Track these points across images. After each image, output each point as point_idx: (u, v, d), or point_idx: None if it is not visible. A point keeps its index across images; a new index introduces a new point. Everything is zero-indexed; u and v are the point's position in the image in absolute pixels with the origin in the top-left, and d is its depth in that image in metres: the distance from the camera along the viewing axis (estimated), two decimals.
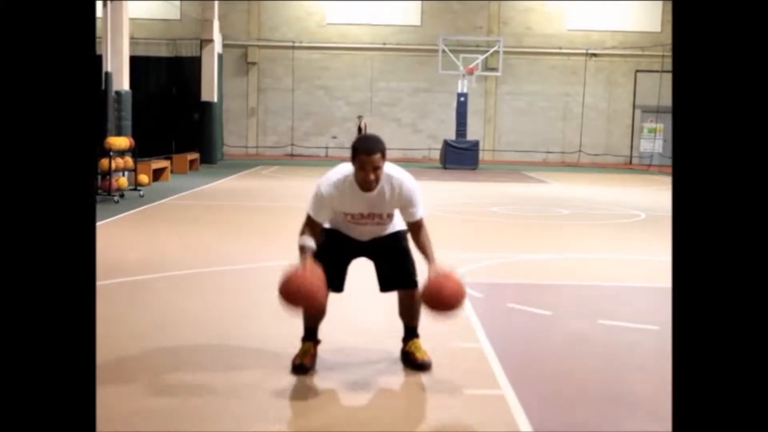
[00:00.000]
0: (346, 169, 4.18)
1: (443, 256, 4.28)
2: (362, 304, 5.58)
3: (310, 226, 4.20)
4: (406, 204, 4.22)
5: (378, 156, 4.04)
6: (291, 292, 3.93)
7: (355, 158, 4.07)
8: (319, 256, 4.27)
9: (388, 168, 4.17)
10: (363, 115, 28.00)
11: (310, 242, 4.12)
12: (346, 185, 4.15)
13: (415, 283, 4.35)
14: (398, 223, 4.41)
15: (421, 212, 4.27)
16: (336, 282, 4.33)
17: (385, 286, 4.45)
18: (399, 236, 4.41)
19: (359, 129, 28.71)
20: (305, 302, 3.98)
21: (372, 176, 4.05)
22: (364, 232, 4.35)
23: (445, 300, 4.07)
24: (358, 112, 28.78)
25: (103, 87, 15.46)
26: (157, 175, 17.07)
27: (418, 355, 4.41)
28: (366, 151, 4.04)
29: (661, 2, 29.11)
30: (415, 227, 4.27)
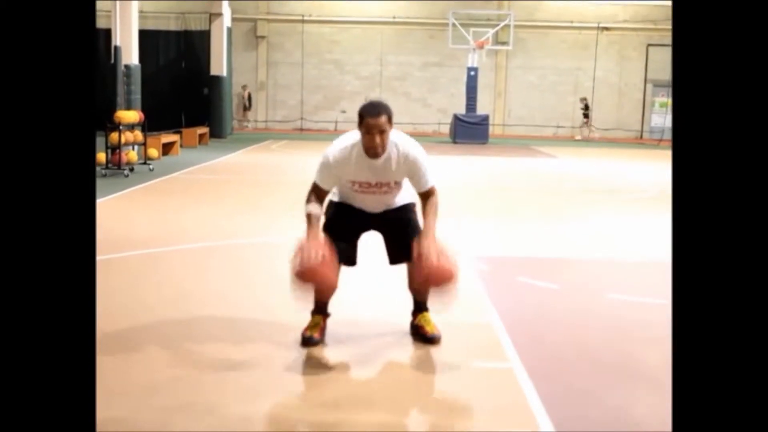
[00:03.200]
0: (354, 136, 4.17)
1: (453, 229, 4.27)
2: (371, 278, 5.58)
3: (316, 193, 4.22)
4: (413, 172, 4.20)
5: (384, 119, 4.04)
6: (304, 276, 3.97)
7: (361, 123, 4.07)
8: (330, 229, 4.28)
9: (394, 136, 4.16)
10: (247, 85, 29.44)
11: (316, 209, 4.16)
12: (353, 152, 4.14)
13: None
14: (408, 196, 4.41)
15: (431, 181, 4.26)
16: (348, 256, 4.33)
17: (393, 260, 4.44)
18: (408, 209, 4.41)
19: (242, 97, 28.88)
20: (318, 285, 4.05)
21: (378, 139, 4.03)
22: (373, 203, 4.33)
23: (426, 285, 4.18)
24: (368, 87, 28.75)
25: (113, 61, 15.43)
26: (166, 149, 17.08)
27: (428, 329, 4.43)
28: (372, 115, 4.04)
29: None
30: (426, 196, 4.27)
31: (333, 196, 4.42)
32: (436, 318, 4.49)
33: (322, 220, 4.31)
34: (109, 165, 13.09)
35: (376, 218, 4.38)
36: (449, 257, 4.08)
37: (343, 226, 4.30)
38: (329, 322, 4.45)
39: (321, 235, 4.09)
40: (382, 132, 4.04)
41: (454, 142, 23.85)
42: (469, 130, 24.06)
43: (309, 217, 4.12)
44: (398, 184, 4.28)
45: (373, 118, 4.02)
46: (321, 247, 4.00)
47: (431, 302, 4.48)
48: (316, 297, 4.38)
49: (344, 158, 4.14)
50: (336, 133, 27.61)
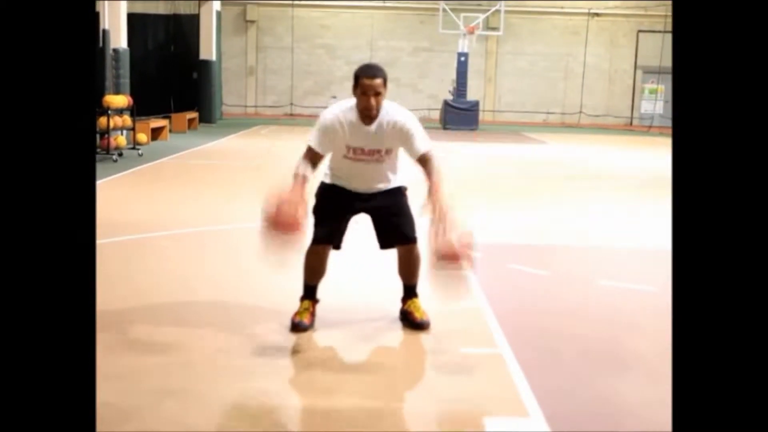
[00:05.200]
0: (350, 102, 4.16)
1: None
2: (361, 263, 5.59)
3: (309, 156, 4.14)
4: (405, 138, 4.14)
5: (380, 81, 4.04)
6: (279, 227, 3.84)
7: (357, 84, 4.06)
8: (319, 211, 4.29)
9: (386, 104, 4.15)
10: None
11: (307, 170, 4.07)
12: (348, 116, 4.12)
13: (414, 239, 4.36)
14: (399, 178, 4.39)
15: (425, 145, 4.14)
16: (335, 238, 4.33)
17: (384, 243, 4.44)
18: (399, 192, 4.39)
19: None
20: (283, 232, 3.85)
21: (373, 101, 4.03)
22: (364, 176, 4.27)
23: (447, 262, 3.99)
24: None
25: (101, 44, 15.32)
26: (155, 134, 17.00)
27: (417, 315, 4.44)
28: (368, 76, 4.04)
29: None
30: (424, 162, 4.12)
31: (325, 177, 4.40)
32: (425, 304, 4.51)
33: (312, 202, 4.30)
34: (98, 150, 13.02)
35: (368, 200, 4.34)
36: (462, 236, 3.92)
37: (333, 208, 4.29)
38: (318, 307, 4.46)
39: (304, 194, 3.96)
40: (377, 94, 4.04)
41: (444, 128, 23.83)
42: (459, 116, 24.04)
43: (296, 176, 4.03)
44: (390, 154, 4.22)
45: (369, 79, 4.03)
46: (301, 204, 3.89)
47: (420, 287, 4.50)
48: (305, 280, 4.40)
49: (340, 121, 4.11)
50: None
